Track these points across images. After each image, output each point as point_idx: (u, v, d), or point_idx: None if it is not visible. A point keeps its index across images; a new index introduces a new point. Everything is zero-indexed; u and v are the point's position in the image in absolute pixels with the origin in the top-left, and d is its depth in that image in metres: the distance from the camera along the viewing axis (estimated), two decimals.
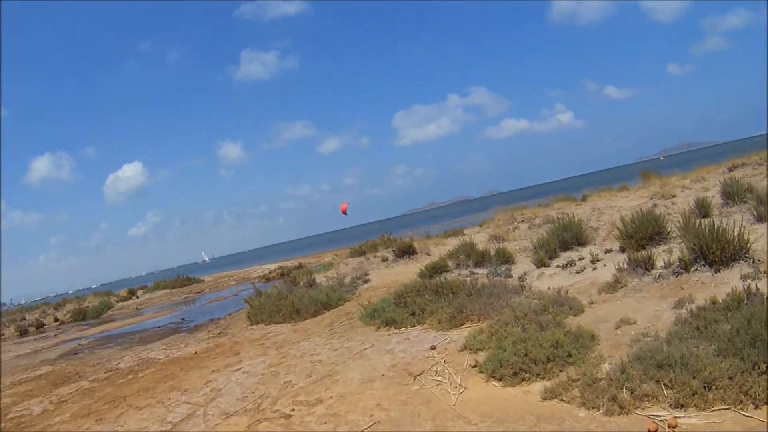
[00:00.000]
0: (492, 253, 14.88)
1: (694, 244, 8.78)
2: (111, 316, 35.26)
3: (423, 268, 14.94)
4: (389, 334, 10.50)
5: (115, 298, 43.15)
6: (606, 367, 6.19)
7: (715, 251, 8.49)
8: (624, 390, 5.42)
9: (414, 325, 10.65)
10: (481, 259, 14.92)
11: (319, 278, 19.34)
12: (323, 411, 6.95)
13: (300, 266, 35.85)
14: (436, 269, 14.80)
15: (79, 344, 21.24)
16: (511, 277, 12.74)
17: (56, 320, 39.16)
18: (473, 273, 14.08)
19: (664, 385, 5.28)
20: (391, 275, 17.62)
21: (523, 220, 22.67)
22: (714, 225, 8.88)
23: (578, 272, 11.24)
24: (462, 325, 9.75)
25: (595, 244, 13.68)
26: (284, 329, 14.02)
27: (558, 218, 20.25)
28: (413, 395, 6.87)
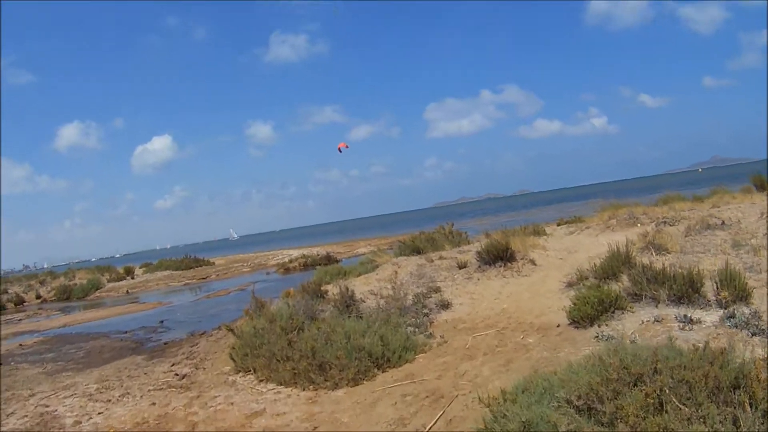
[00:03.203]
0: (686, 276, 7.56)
1: None
2: (96, 299, 31.10)
3: (577, 302, 7.58)
4: None
5: (108, 277, 36.76)
6: None
7: None
8: None
9: None
10: (687, 289, 7.57)
11: (359, 287, 12.12)
12: None
13: (328, 258, 28.80)
14: (604, 305, 7.45)
15: (21, 345, 16.57)
16: None
17: (38, 297, 34.63)
18: (688, 321, 6.80)
19: None
20: (487, 297, 10.31)
21: (665, 221, 15.19)
22: None
23: None
24: None
25: None
26: (291, 408, 6.82)
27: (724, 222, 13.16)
28: None
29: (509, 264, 12.11)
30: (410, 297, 10.43)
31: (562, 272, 11.26)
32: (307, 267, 27.66)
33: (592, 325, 7.44)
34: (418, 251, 16.16)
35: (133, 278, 36.67)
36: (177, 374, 10.21)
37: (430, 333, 8.57)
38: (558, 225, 22.22)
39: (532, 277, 11.36)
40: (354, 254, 31.17)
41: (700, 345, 5.54)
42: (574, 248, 14.27)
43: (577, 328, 7.53)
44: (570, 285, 9.84)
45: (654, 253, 11.37)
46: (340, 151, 20.86)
